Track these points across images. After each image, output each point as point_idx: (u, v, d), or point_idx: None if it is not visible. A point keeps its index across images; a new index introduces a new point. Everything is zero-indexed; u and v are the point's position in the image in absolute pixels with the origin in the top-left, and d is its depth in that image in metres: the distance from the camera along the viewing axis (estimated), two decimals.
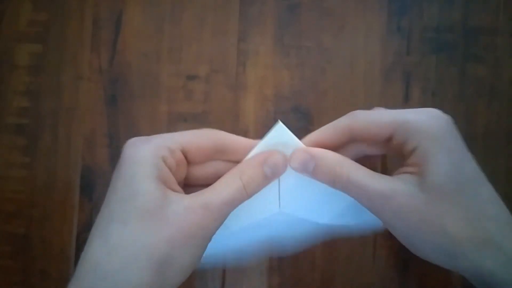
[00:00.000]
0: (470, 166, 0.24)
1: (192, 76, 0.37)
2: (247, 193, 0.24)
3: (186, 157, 0.25)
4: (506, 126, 0.36)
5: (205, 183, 0.25)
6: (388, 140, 0.25)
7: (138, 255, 0.22)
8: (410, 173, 0.23)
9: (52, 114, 0.38)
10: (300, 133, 0.37)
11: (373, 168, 0.25)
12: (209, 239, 0.24)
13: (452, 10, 0.36)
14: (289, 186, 0.26)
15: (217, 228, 0.24)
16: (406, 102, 0.36)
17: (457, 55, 0.36)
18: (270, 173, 0.25)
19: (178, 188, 0.24)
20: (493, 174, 0.36)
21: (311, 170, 0.25)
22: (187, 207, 0.23)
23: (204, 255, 0.24)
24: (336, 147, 0.26)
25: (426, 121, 0.23)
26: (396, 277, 0.35)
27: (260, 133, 0.37)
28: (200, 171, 0.26)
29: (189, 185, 0.27)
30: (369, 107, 0.35)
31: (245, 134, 0.37)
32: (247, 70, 0.37)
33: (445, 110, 0.36)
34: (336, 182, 0.24)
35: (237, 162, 0.26)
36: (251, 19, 0.37)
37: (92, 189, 0.38)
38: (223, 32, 0.37)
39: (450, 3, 0.36)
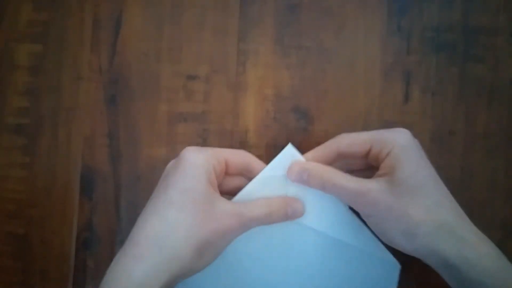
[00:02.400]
0: (429, 169, 0.30)
1: (192, 76, 0.37)
2: (269, 219, 0.30)
3: (227, 165, 0.31)
4: (506, 126, 0.36)
5: (227, 192, 0.32)
6: (367, 153, 0.31)
7: (190, 236, 0.27)
8: (383, 175, 0.29)
9: (52, 114, 0.38)
10: (300, 133, 0.37)
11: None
12: (230, 242, 0.30)
13: (452, 10, 0.36)
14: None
15: (237, 236, 0.30)
16: (406, 102, 0.36)
17: (457, 55, 0.36)
18: (291, 213, 0.31)
19: (218, 190, 0.30)
20: (493, 174, 0.36)
21: (305, 179, 0.31)
22: (229, 211, 0.29)
23: None
24: (327, 163, 0.31)
25: (396, 136, 0.30)
26: None
27: (260, 133, 0.37)
28: (229, 181, 0.32)
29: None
30: (369, 107, 0.35)
31: (245, 134, 0.37)
32: (247, 70, 0.37)
33: (445, 110, 0.36)
34: (325, 186, 0.30)
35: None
36: (251, 19, 0.37)
37: (92, 189, 0.38)
38: (223, 32, 0.37)
39: (450, 3, 0.36)
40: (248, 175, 0.32)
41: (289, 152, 0.31)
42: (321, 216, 0.32)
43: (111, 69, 0.38)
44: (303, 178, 0.31)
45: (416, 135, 0.33)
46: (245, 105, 0.37)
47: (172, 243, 0.27)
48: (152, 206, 0.29)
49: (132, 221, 0.37)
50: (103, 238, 0.37)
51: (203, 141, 0.37)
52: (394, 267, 0.33)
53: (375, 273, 0.33)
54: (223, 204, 0.29)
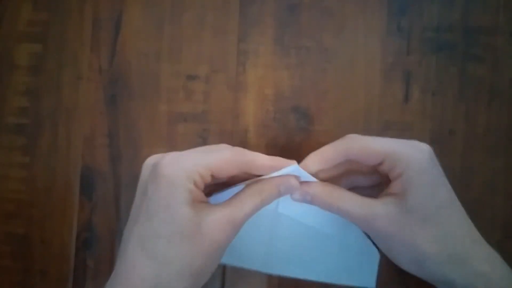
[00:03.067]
0: (445, 194, 0.28)
1: (192, 76, 0.37)
2: (262, 206, 0.29)
3: (213, 175, 0.28)
4: (506, 126, 0.36)
5: (221, 181, 0.30)
6: (378, 165, 0.29)
7: (182, 270, 0.26)
8: (393, 195, 0.28)
9: (52, 114, 0.38)
10: (300, 133, 0.37)
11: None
12: (227, 246, 0.28)
13: (452, 10, 0.36)
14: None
15: (236, 234, 0.28)
16: (406, 102, 0.36)
17: (457, 55, 0.36)
18: (284, 190, 0.29)
19: (205, 198, 0.28)
20: (493, 174, 0.36)
21: (309, 200, 0.30)
22: (218, 223, 0.27)
23: None
24: (335, 165, 0.30)
25: (411, 154, 0.28)
26: (396, 277, 0.35)
27: (260, 133, 0.37)
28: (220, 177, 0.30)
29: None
30: (369, 107, 0.35)
31: (245, 134, 0.37)
32: (247, 70, 0.37)
33: (445, 110, 0.36)
34: (330, 209, 0.29)
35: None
36: (251, 19, 0.37)
37: (92, 189, 0.38)
38: (223, 32, 0.37)
39: (450, 3, 0.36)
40: (246, 174, 0.30)
41: (292, 170, 0.29)
42: (302, 207, 0.31)
43: (111, 69, 0.38)
44: (307, 200, 0.30)
45: (416, 135, 0.34)
46: (245, 105, 0.37)
47: (166, 281, 0.26)
48: (137, 237, 0.27)
49: None
50: (103, 238, 0.37)
51: (203, 141, 0.37)
52: (374, 256, 0.33)
53: (355, 262, 0.33)
54: (212, 218, 0.27)
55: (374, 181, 0.32)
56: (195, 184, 0.27)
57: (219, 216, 0.27)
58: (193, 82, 0.37)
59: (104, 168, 0.38)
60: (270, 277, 0.37)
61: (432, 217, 0.27)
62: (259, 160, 0.29)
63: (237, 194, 0.29)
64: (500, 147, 0.36)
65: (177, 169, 0.27)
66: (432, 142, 0.36)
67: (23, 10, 0.38)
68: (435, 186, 0.28)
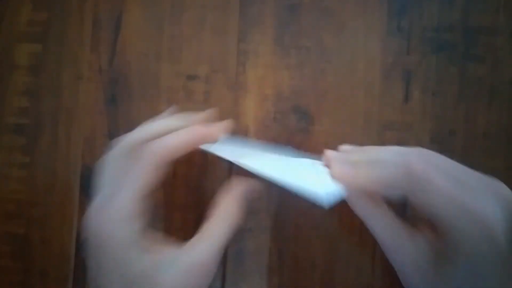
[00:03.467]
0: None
1: (192, 76, 0.37)
2: (233, 228, 0.27)
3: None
4: (506, 126, 0.36)
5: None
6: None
7: None
8: (429, 239, 0.25)
9: (52, 114, 0.38)
10: (300, 133, 0.37)
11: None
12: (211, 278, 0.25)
13: (452, 10, 0.36)
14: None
15: (215, 268, 0.25)
16: (406, 102, 0.36)
17: (457, 55, 0.36)
18: (240, 197, 0.28)
19: (161, 240, 0.25)
20: (493, 174, 0.36)
21: (353, 188, 0.27)
22: (185, 272, 0.23)
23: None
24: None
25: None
26: (396, 277, 0.35)
27: (260, 133, 0.37)
28: None
29: None
30: (369, 107, 0.35)
31: (245, 134, 0.37)
32: (247, 70, 0.37)
33: (445, 110, 0.36)
34: (364, 220, 0.27)
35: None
36: (251, 19, 0.37)
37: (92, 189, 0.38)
38: (223, 32, 0.37)
39: (450, 3, 0.36)
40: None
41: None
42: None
43: (111, 69, 0.38)
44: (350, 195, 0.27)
45: (416, 135, 0.34)
46: (245, 105, 0.37)
47: None
48: None
49: None
50: None
51: None
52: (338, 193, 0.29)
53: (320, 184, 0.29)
54: (174, 265, 0.23)
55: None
56: (135, 220, 0.24)
57: (186, 264, 0.24)
58: (193, 82, 0.37)
59: None
60: (270, 277, 0.37)
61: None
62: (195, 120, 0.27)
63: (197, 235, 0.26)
64: (500, 147, 0.36)
65: (109, 220, 0.23)
66: (432, 142, 0.36)
67: (23, 10, 0.38)
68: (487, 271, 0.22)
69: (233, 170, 0.35)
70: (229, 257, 0.36)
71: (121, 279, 0.22)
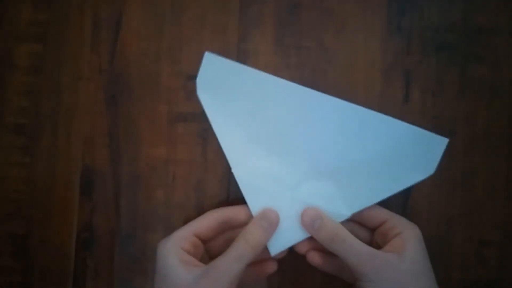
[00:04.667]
0: (429, 266, 0.31)
1: (192, 76, 0.37)
2: (251, 247, 0.31)
3: (201, 238, 0.33)
4: (506, 126, 0.36)
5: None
6: (377, 227, 0.33)
7: None
8: (391, 251, 0.30)
9: (52, 114, 0.38)
10: None
11: None
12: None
13: (452, 10, 0.36)
14: None
15: (231, 282, 0.29)
16: (406, 102, 0.36)
17: (457, 55, 0.36)
18: (267, 225, 0.32)
19: (198, 263, 0.31)
20: (493, 174, 0.36)
21: (317, 226, 0.32)
22: (203, 272, 0.30)
23: None
24: None
25: (410, 225, 0.32)
26: None
27: None
28: (215, 245, 0.34)
29: (213, 257, 0.32)
30: (369, 107, 0.35)
31: None
32: None
33: (445, 110, 0.36)
34: (334, 240, 0.31)
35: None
36: (251, 19, 0.37)
37: (92, 189, 0.38)
38: (223, 32, 0.37)
39: (450, 3, 0.36)
40: (231, 228, 0.34)
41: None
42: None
43: (111, 69, 0.38)
44: (314, 226, 0.32)
45: None
46: None
47: None
48: None
49: (132, 221, 0.37)
50: (103, 238, 0.37)
51: (203, 141, 0.37)
52: (440, 141, 0.32)
53: (416, 148, 0.32)
54: (201, 275, 0.29)
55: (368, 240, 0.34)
56: (184, 249, 0.31)
57: (208, 274, 0.29)
58: (193, 82, 0.37)
59: (104, 168, 0.38)
60: (270, 277, 0.37)
61: (426, 274, 0.30)
62: (239, 217, 0.33)
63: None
64: (500, 147, 0.36)
65: (166, 242, 0.31)
66: None
67: (23, 10, 0.38)
68: (424, 255, 0.31)
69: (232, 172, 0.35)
70: None
71: (167, 282, 0.30)
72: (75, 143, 0.38)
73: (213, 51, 0.37)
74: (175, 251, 0.31)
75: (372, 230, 0.34)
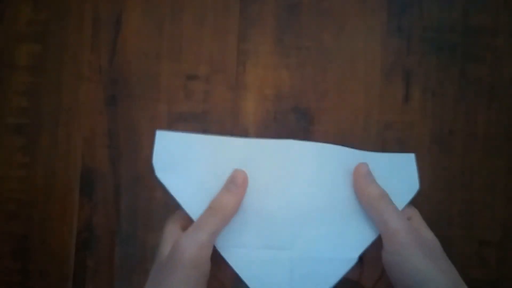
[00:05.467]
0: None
1: (192, 76, 0.37)
2: (223, 218, 0.29)
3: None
4: (506, 126, 0.36)
5: None
6: None
7: None
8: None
9: (52, 114, 0.38)
10: (300, 133, 0.37)
11: None
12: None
13: (452, 10, 0.36)
14: None
15: (209, 252, 0.28)
16: (406, 102, 0.36)
17: (457, 55, 0.36)
18: (232, 187, 0.30)
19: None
20: (493, 174, 0.36)
21: (369, 181, 0.31)
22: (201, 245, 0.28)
23: None
24: None
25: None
26: None
27: (260, 133, 0.37)
28: None
29: None
30: (369, 107, 0.35)
31: (245, 134, 0.37)
32: (247, 70, 0.37)
33: (445, 110, 0.36)
34: (372, 207, 0.30)
35: None
36: (251, 19, 0.37)
37: (92, 189, 0.38)
38: (223, 32, 0.37)
39: (450, 3, 0.36)
40: None
41: None
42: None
43: (111, 69, 0.38)
44: (368, 179, 0.31)
45: (416, 135, 0.34)
46: (245, 105, 0.37)
47: None
48: None
49: (132, 221, 0.37)
50: (103, 238, 0.37)
51: None
52: (408, 158, 0.32)
53: (392, 171, 0.32)
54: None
55: None
56: (182, 227, 0.29)
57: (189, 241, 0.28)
58: (193, 82, 0.37)
59: (104, 168, 0.38)
60: None
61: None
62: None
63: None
64: (500, 147, 0.36)
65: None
66: (432, 142, 0.36)
67: (23, 10, 0.38)
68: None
69: None
70: None
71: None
72: (75, 143, 0.38)
73: (213, 51, 0.37)
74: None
75: None
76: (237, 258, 0.30)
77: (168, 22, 0.38)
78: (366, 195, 0.30)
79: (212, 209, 0.29)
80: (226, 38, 0.37)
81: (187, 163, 0.31)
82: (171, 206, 0.37)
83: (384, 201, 0.30)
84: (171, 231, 0.29)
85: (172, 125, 0.37)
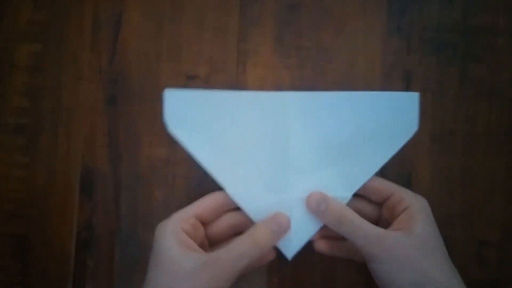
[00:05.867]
0: (439, 237, 0.31)
1: (192, 76, 0.37)
2: (259, 247, 0.30)
3: (202, 220, 0.32)
4: (506, 126, 0.36)
5: (225, 238, 0.33)
6: (384, 201, 0.33)
7: None
8: (398, 229, 0.30)
9: (52, 114, 0.38)
10: None
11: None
12: (227, 286, 0.29)
13: (452, 10, 0.36)
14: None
15: (230, 278, 0.29)
16: None
17: (457, 55, 0.36)
18: (277, 229, 0.31)
19: (198, 248, 0.31)
20: (493, 174, 0.36)
21: (322, 209, 0.31)
22: (204, 263, 0.29)
23: None
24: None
25: (416, 197, 0.32)
26: None
27: None
28: (217, 228, 0.33)
29: (213, 244, 0.33)
30: None
31: None
32: (247, 70, 0.37)
33: (445, 110, 0.36)
34: (341, 222, 0.31)
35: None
36: (251, 19, 0.37)
37: (92, 189, 0.38)
38: (223, 32, 0.37)
39: (450, 3, 0.36)
40: (231, 207, 0.34)
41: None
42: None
43: (111, 69, 0.38)
44: (320, 209, 0.31)
45: (416, 135, 0.34)
46: None
47: None
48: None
49: (132, 221, 0.37)
50: (103, 238, 0.37)
51: None
52: (411, 98, 0.33)
53: (391, 112, 0.33)
54: (198, 258, 0.29)
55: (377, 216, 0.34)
56: (184, 230, 0.30)
57: (206, 258, 0.29)
58: (193, 82, 0.37)
59: (104, 168, 0.38)
60: (270, 277, 0.37)
61: (435, 248, 0.30)
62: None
63: (231, 242, 0.31)
64: (500, 147, 0.36)
65: (164, 225, 0.31)
66: (432, 142, 0.36)
67: (23, 10, 0.38)
68: (433, 227, 0.31)
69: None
70: None
71: (162, 268, 0.29)
72: (75, 143, 0.38)
73: (213, 51, 0.37)
74: (174, 232, 0.30)
75: (380, 204, 0.34)
76: (248, 201, 0.33)
77: (168, 22, 0.38)
78: (331, 216, 0.32)
79: (254, 242, 0.30)
80: (226, 38, 0.37)
81: (196, 117, 0.34)
82: (171, 206, 0.37)
83: (350, 212, 0.31)
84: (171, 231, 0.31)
85: None
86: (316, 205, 0.32)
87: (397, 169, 0.35)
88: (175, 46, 0.38)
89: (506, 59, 0.36)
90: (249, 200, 0.33)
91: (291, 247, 0.33)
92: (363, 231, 0.30)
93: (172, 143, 0.37)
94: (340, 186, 0.33)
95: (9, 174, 0.38)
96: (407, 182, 0.36)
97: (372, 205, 0.34)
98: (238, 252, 0.29)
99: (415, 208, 0.31)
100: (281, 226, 0.31)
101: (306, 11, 0.37)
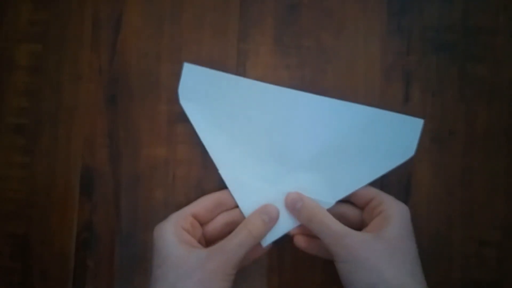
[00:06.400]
0: (412, 244, 0.31)
1: None
2: (253, 236, 0.32)
3: (199, 220, 0.34)
4: (506, 126, 0.36)
5: (221, 236, 0.33)
6: (366, 205, 0.33)
7: None
8: (370, 231, 0.31)
9: (52, 114, 0.38)
10: None
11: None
12: (231, 274, 0.31)
13: (452, 10, 0.36)
14: None
15: (235, 266, 0.31)
16: (406, 102, 0.36)
17: (457, 55, 0.36)
18: (267, 219, 0.33)
19: (198, 245, 0.33)
20: (493, 174, 0.36)
21: (298, 207, 0.33)
22: (208, 254, 0.30)
23: None
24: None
25: (396, 203, 0.32)
26: None
27: None
28: (213, 226, 0.34)
29: (209, 243, 0.34)
30: (369, 106, 0.35)
31: None
32: (247, 70, 0.37)
33: (445, 110, 0.36)
34: (312, 221, 0.32)
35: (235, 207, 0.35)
36: (251, 19, 0.37)
37: (92, 189, 0.38)
38: (223, 32, 0.37)
39: (450, 3, 0.36)
40: (226, 208, 0.35)
41: None
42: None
43: (111, 69, 0.38)
44: (296, 207, 0.33)
45: None
46: None
47: None
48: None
49: (132, 221, 0.37)
50: (103, 238, 0.37)
51: None
52: (416, 123, 0.33)
53: (392, 132, 0.33)
54: (200, 252, 0.30)
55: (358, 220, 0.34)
56: (183, 228, 0.32)
57: (209, 250, 0.31)
58: None
59: (104, 168, 0.38)
60: (270, 277, 0.37)
61: (404, 252, 0.30)
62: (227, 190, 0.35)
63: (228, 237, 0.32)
64: (500, 147, 0.36)
65: (164, 224, 0.32)
66: (432, 142, 0.36)
67: (23, 10, 0.38)
68: (406, 233, 0.31)
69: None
70: None
71: (165, 266, 0.30)
72: (75, 143, 0.38)
73: (213, 51, 0.37)
74: (174, 230, 0.31)
75: (362, 208, 0.34)
76: (237, 185, 0.35)
77: (168, 22, 0.38)
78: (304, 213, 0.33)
79: (249, 231, 0.32)
80: (226, 38, 0.37)
81: (208, 96, 0.35)
82: (171, 206, 0.37)
83: (321, 212, 0.32)
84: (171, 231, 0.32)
85: (172, 125, 0.37)
86: (292, 203, 0.33)
87: (397, 169, 0.35)
88: (175, 46, 0.38)
89: (506, 59, 0.36)
90: (238, 184, 0.34)
91: (267, 236, 0.34)
92: (329, 230, 0.31)
93: (172, 143, 0.37)
94: (325, 191, 0.34)
95: (9, 174, 0.38)
96: (407, 182, 0.36)
97: (355, 209, 0.34)
98: (238, 241, 0.31)
99: (390, 212, 0.31)
100: (271, 217, 0.33)
101: (306, 11, 0.37)
